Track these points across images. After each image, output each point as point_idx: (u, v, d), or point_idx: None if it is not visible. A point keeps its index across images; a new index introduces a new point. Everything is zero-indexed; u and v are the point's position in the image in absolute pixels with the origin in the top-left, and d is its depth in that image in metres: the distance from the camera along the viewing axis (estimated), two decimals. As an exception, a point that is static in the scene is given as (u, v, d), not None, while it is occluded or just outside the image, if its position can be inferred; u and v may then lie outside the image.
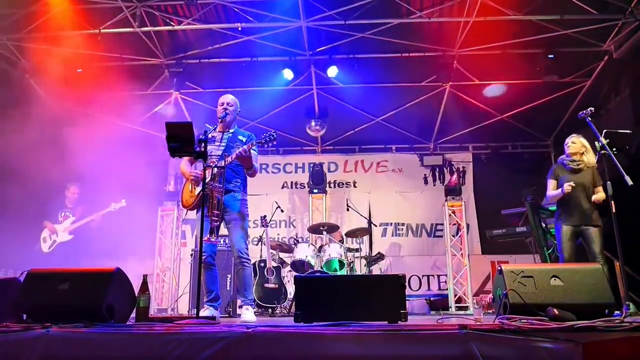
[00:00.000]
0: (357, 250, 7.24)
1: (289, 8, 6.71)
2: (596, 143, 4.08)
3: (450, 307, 7.57)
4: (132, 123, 8.24)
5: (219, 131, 4.35)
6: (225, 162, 4.06)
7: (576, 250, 4.86)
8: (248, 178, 4.37)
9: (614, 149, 3.99)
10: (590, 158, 4.98)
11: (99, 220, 6.75)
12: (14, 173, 6.45)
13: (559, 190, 4.92)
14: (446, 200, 8.16)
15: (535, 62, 7.28)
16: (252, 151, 4.22)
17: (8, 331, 2.55)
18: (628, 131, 4.30)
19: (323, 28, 7.09)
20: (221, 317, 4.75)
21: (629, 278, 4.64)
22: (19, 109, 6.93)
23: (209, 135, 4.20)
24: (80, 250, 6.55)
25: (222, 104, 4.35)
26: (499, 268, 3.10)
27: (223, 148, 4.25)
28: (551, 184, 5.13)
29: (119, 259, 6.79)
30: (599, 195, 4.77)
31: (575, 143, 5.04)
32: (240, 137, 4.30)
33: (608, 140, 4.03)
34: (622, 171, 3.91)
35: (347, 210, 8.19)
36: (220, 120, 4.26)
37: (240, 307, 4.21)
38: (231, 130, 4.38)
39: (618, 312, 3.14)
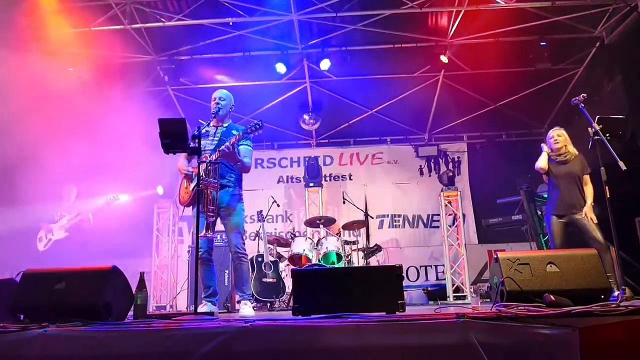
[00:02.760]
0: (354, 242, 7.24)
1: (280, 1, 6.67)
2: (589, 129, 4.09)
3: (448, 296, 7.63)
4: (126, 120, 8.17)
5: (213, 126, 4.34)
6: (216, 156, 4.04)
7: (568, 240, 4.86)
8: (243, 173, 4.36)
9: (607, 135, 3.99)
10: (572, 148, 5.03)
11: (95, 214, 6.74)
12: (9, 173, 6.41)
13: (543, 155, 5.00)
14: (442, 191, 8.19)
15: (528, 49, 7.28)
16: (245, 146, 4.22)
17: (5, 332, 2.54)
18: (621, 117, 4.30)
19: (315, 21, 7.06)
20: (219, 312, 4.76)
21: (624, 262, 4.66)
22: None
23: (203, 131, 4.20)
24: (75, 249, 6.53)
25: (215, 99, 4.36)
26: (495, 256, 3.12)
27: (216, 142, 4.23)
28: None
29: (115, 257, 6.77)
30: (589, 209, 4.76)
31: (561, 136, 5.04)
32: (234, 132, 4.26)
33: (601, 125, 4.03)
34: (616, 156, 3.91)
35: (344, 203, 8.17)
36: (213, 115, 4.24)
37: (239, 302, 4.22)
38: (225, 125, 4.37)
39: (614, 296, 3.17)
